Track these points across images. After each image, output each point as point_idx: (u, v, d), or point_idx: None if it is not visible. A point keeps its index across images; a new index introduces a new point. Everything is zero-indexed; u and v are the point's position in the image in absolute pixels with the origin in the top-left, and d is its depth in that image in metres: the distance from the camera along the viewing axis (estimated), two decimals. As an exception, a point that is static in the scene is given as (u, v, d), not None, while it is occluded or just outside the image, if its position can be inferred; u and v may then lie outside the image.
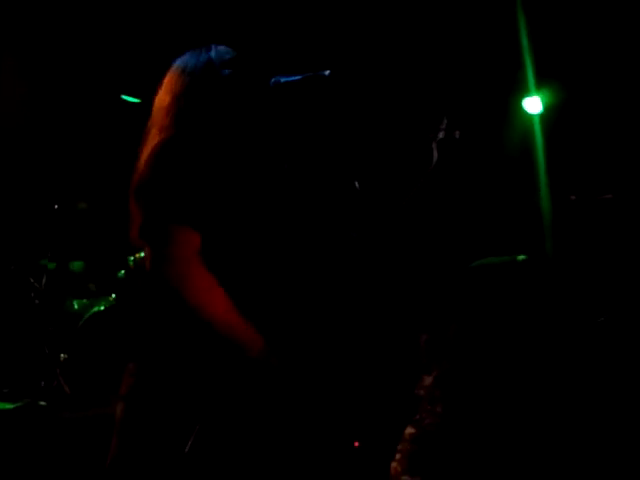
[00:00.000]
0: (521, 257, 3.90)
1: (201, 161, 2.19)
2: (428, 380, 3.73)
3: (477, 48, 5.26)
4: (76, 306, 5.03)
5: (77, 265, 5.24)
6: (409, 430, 3.68)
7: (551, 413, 3.76)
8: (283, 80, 2.27)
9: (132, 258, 5.17)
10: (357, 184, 2.30)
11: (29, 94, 5.52)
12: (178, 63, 2.33)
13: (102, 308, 4.96)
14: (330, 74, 2.22)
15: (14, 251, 5.16)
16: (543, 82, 5.23)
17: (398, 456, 3.64)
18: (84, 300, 5.09)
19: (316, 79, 2.21)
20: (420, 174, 2.35)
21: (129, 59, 5.54)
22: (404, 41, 5.32)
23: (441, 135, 2.35)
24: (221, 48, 2.33)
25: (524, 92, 5.29)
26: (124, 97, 5.06)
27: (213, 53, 2.30)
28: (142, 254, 5.14)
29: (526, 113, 5.32)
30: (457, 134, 2.35)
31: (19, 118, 5.47)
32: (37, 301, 4.88)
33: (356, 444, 3.69)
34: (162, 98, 2.30)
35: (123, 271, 5.24)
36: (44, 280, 4.91)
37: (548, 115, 5.28)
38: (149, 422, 2.14)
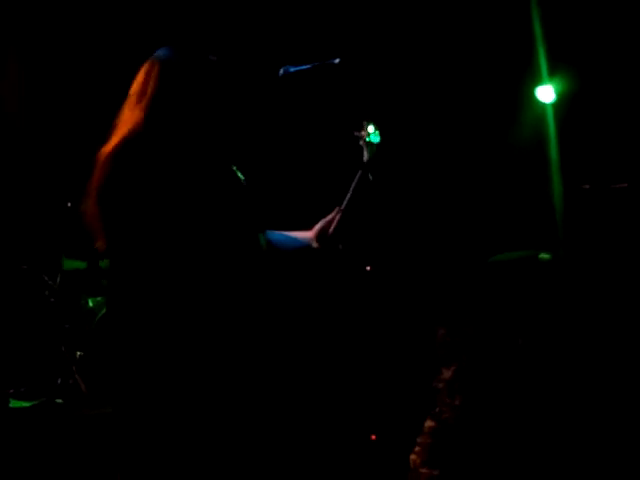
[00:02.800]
0: (544, 255, 3.86)
1: (166, 163, 2.07)
2: (447, 373, 3.71)
3: (489, 36, 5.22)
4: (91, 304, 5.02)
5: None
6: (428, 423, 3.67)
7: (569, 408, 3.73)
8: (292, 70, 2.24)
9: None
10: (370, 176, 2.26)
11: (32, 92, 5.53)
12: (152, 56, 2.28)
13: (117, 305, 4.94)
14: (340, 62, 2.20)
15: (27, 250, 5.16)
16: (556, 70, 5.18)
17: (417, 448, 3.62)
18: (98, 298, 5.08)
19: (325, 67, 2.19)
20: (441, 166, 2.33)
21: (134, 57, 5.52)
22: (412, 30, 5.28)
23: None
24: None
25: (537, 81, 5.24)
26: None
27: (184, 47, 2.23)
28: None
29: (539, 102, 5.27)
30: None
31: (25, 116, 5.48)
32: (52, 299, 4.88)
33: (373, 437, 3.67)
34: (133, 88, 2.23)
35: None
36: (58, 278, 4.91)
37: (561, 104, 5.24)
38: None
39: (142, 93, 2.18)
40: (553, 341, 3.82)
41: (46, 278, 4.93)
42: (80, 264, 5.04)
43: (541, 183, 5.09)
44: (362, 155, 2.24)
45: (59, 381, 4.67)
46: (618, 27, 4.85)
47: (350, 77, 2.24)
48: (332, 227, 2.26)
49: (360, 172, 2.26)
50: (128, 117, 2.18)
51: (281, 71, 2.25)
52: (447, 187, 4.09)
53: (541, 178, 5.11)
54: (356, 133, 2.24)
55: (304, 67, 2.23)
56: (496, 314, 3.78)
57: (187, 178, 2.06)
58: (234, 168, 2.14)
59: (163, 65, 2.18)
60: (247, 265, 2.09)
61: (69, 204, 5.03)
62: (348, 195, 2.25)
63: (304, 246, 2.30)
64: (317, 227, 2.32)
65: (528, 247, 4.05)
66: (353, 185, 2.25)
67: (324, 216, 2.35)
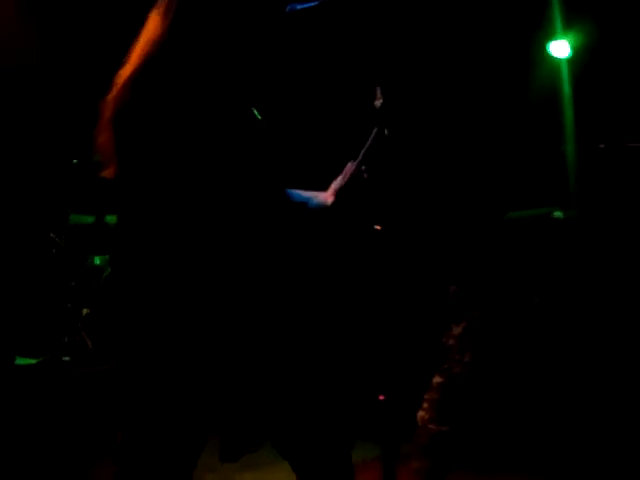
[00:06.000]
0: (558, 213, 3.80)
1: (187, 92, 1.92)
2: (457, 330, 3.65)
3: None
4: (97, 261, 4.98)
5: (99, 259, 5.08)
6: (437, 379, 3.61)
7: (582, 366, 3.69)
8: (299, 7, 2.15)
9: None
10: (385, 131, 2.18)
11: (42, 44, 5.44)
12: None
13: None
14: None
15: (34, 208, 5.12)
16: (571, 24, 5.04)
17: (425, 405, 3.57)
18: (105, 255, 5.04)
19: (334, 4, 2.10)
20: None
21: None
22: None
23: None
24: None
25: (551, 35, 5.11)
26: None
27: None
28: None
29: (553, 57, 5.14)
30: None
31: (33, 70, 5.40)
32: (58, 257, 4.84)
33: (381, 397, 3.62)
34: (156, 8, 2.06)
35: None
36: (64, 236, 4.86)
37: (576, 59, 5.11)
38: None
39: (166, 11, 2.03)
40: (568, 299, 3.76)
41: (53, 235, 4.90)
42: (88, 219, 5.00)
43: (555, 141, 4.99)
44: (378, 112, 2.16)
45: (66, 339, 4.65)
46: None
47: (358, 17, 2.15)
48: (344, 178, 2.18)
49: (376, 129, 2.18)
50: (150, 36, 2.03)
51: (287, 8, 2.17)
52: (461, 144, 4.00)
53: (555, 136, 5.01)
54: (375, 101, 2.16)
55: (311, 4, 2.14)
56: (510, 271, 3.72)
57: (207, 109, 1.95)
58: (253, 109, 2.05)
59: None
60: (260, 200, 2.02)
61: (75, 161, 4.99)
62: (363, 150, 2.16)
63: (321, 206, 2.21)
64: (333, 186, 2.24)
65: (542, 205, 3.98)
66: (369, 141, 2.16)
67: (333, 168, 2.28)
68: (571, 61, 5.09)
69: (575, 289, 3.82)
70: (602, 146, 4.57)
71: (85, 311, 4.71)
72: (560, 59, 5.13)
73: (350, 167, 2.21)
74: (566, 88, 5.20)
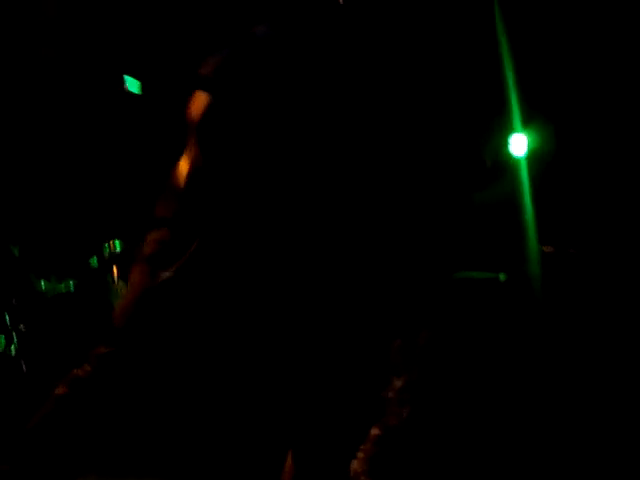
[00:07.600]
0: (503, 276, 3.91)
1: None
2: (398, 383, 3.67)
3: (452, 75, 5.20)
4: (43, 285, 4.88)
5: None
6: (374, 431, 3.61)
7: (521, 428, 3.74)
8: None
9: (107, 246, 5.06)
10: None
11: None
12: None
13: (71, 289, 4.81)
14: None
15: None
16: (530, 119, 5.16)
17: (360, 455, 3.55)
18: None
19: None
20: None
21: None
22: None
23: None
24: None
25: (509, 131, 5.20)
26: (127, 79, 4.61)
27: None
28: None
29: (511, 155, 5.24)
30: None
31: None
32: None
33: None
34: None
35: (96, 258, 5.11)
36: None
37: (535, 157, 5.23)
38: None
39: None
40: (507, 363, 3.84)
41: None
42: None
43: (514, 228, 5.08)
44: None
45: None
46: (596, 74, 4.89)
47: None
48: None
49: None
50: None
51: None
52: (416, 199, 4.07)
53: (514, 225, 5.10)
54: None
55: None
56: (452, 329, 3.79)
57: None
58: None
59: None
60: None
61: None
62: None
63: None
64: None
65: (493, 269, 4.09)
66: None
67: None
68: (530, 159, 5.19)
69: (518, 355, 3.92)
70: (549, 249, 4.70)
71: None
72: (519, 157, 5.23)
73: None
74: (525, 187, 5.23)
